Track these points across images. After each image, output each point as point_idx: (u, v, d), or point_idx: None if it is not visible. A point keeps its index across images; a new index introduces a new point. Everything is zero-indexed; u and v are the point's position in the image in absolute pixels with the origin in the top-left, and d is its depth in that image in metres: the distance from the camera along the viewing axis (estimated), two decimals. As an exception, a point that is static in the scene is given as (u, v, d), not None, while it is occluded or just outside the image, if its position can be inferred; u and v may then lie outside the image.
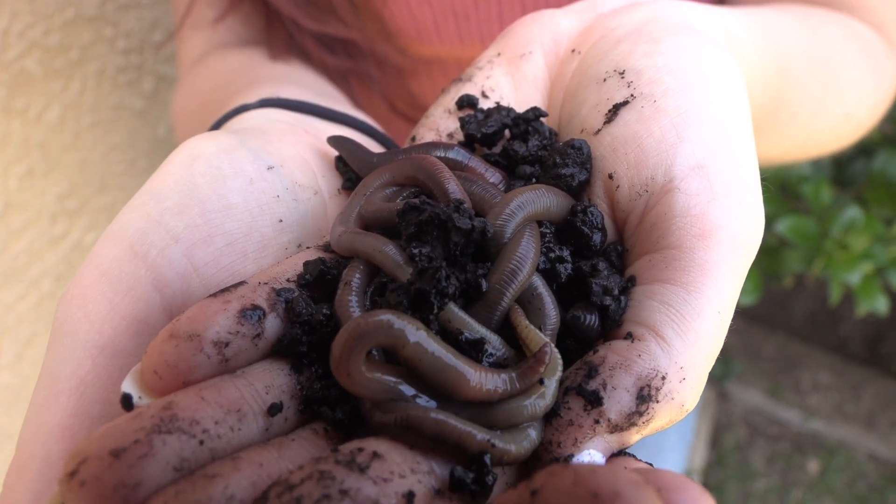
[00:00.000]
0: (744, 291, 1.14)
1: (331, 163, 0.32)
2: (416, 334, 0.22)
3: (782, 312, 2.16)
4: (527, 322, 0.24)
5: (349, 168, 0.31)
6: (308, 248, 0.29)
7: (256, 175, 0.28)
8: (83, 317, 0.24)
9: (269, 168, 0.29)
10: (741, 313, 2.19)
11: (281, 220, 0.28)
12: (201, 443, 0.20)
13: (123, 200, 0.97)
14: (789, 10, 0.45)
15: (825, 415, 1.91)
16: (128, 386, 0.22)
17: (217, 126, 0.37)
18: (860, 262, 0.99)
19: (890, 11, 0.49)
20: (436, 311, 0.23)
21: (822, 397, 1.96)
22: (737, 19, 0.35)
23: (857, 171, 1.15)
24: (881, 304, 1.09)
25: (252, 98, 0.38)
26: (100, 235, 0.84)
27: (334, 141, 0.32)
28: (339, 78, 0.55)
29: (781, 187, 1.10)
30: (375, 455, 0.20)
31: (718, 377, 1.98)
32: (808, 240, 1.00)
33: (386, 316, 0.22)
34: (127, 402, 0.22)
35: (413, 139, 0.32)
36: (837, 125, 0.48)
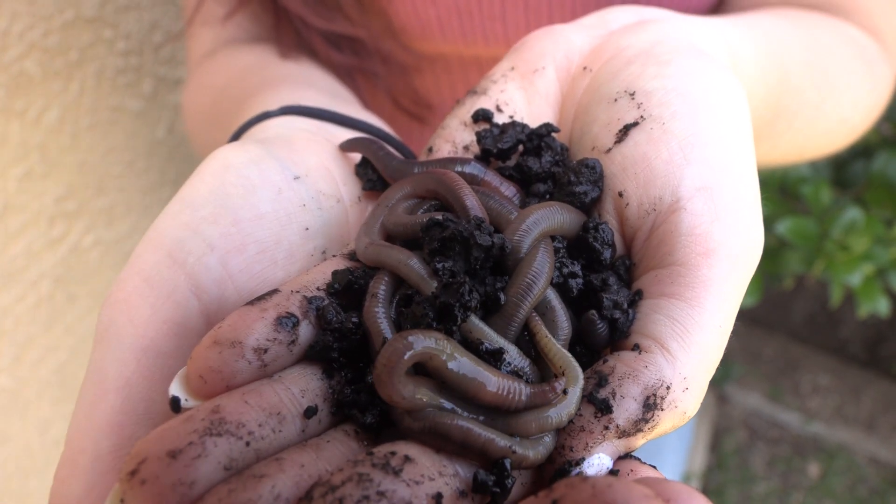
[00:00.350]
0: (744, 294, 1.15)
1: (351, 170, 0.33)
2: (441, 350, 0.24)
3: (782, 315, 2.17)
4: (546, 332, 0.25)
5: (368, 171, 0.32)
6: (334, 256, 0.30)
7: (284, 185, 0.30)
8: (127, 321, 0.25)
9: (296, 178, 0.30)
10: (741, 316, 2.19)
11: (307, 228, 0.30)
12: (247, 444, 0.22)
13: (122, 202, 0.97)
14: (788, 16, 0.46)
15: (825, 418, 1.92)
16: (175, 389, 0.24)
17: (241, 132, 0.38)
18: (861, 264, 1.00)
19: (885, 17, 0.51)
20: (459, 322, 0.25)
21: (823, 400, 1.96)
22: (739, 34, 0.36)
23: (856, 173, 1.16)
24: (882, 306, 1.09)
25: (272, 104, 0.39)
26: (98, 237, 0.84)
27: (355, 143, 0.32)
28: (345, 75, 0.56)
29: (781, 188, 1.10)
30: (407, 459, 0.22)
31: (718, 380, 1.98)
32: (809, 241, 1.01)
33: (408, 340, 0.23)
34: (175, 404, 0.24)
35: (430, 150, 0.33)
36: (833, 130, 0.50)
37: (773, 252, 1.11)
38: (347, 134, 0.36)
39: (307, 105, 0.37)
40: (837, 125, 0.50)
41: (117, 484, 0.21)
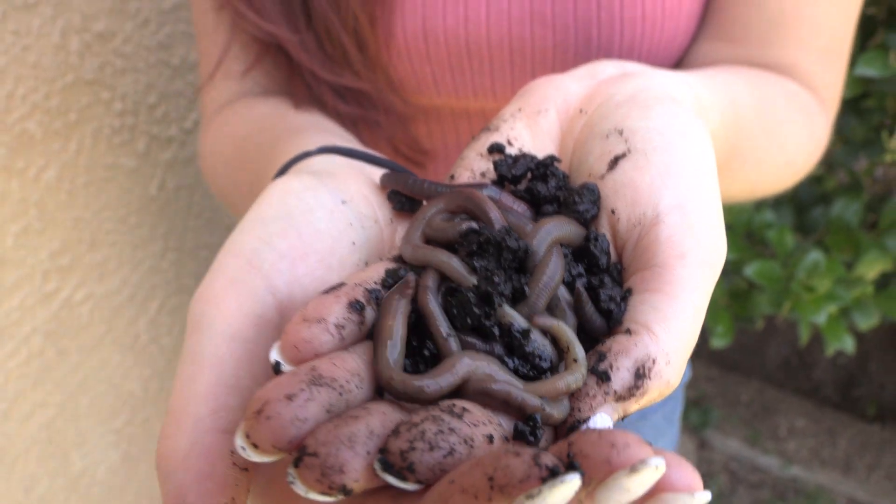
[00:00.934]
0: (717, 335, 1.21)
1: (383, 197, 0.40)
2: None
3: (757, 360, 2.24)
4: (556, 319, 0.31)
5: (400, 197, 0.38)
6: (381, 260, 0.35)
7: (335, 208, 0.36)
8: (217, 313, 0.31)
9: (343, 202, 0.37)
10: (717, 361, 2.26)
11: (353, 243, 0.36)
12: (340, 395, 0.27)
13: (114, 257, 1.00)
14: (740, 72, 0.53)
15: (803, 460, 1.97)
16: (275, 356, 0.29)
17: (285, 168, 0.44)
18: (825, 303, 1.07)
19: (821, 77, 0.60)
20: (497, 306, 0.31)
21: (800, 443, 2.02)
22: (703, 86, 0.43)
23: (817, 218, 1.24)
24: (848, 344, 1.16)
25: (305, 146, 0.46)
26: (89, 292, 0.87)
27: (390, 180, 0.38)
28: (349, 123, 0.63)
29: (748, 234, 1.18)
30: (465, 409, 0.27)
31: (698, 426, 2.03)
32: (776, 282, 1.08)
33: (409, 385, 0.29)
34: (277, 367, 0.29)
35: (452, 177, 0.39)
36: (779, 170, 0.58)
37: (743, 294, 1.18)
38: (375, 170, 0.42)
39: (339, 146, 0.44)
40: (783, 167, 0.58)
41: (243, 422, 0.26)
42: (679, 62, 0.61)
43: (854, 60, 0.99)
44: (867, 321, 1.20)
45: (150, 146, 1.01)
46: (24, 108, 0.83)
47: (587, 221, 0.35)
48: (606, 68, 0.42)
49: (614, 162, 0.35)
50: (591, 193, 0.35)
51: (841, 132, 1.26)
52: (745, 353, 2.26)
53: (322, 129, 0.52)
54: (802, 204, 1.24)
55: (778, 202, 1.23)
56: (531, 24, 0.57)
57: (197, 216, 1.14)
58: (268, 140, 0.53)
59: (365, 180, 0.40)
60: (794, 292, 1.07)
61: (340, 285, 0.32)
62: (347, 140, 0.51)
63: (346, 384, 0.28)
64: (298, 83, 0.62)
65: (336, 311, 0.30)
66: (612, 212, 0.35)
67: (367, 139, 0.65)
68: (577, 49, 0.57)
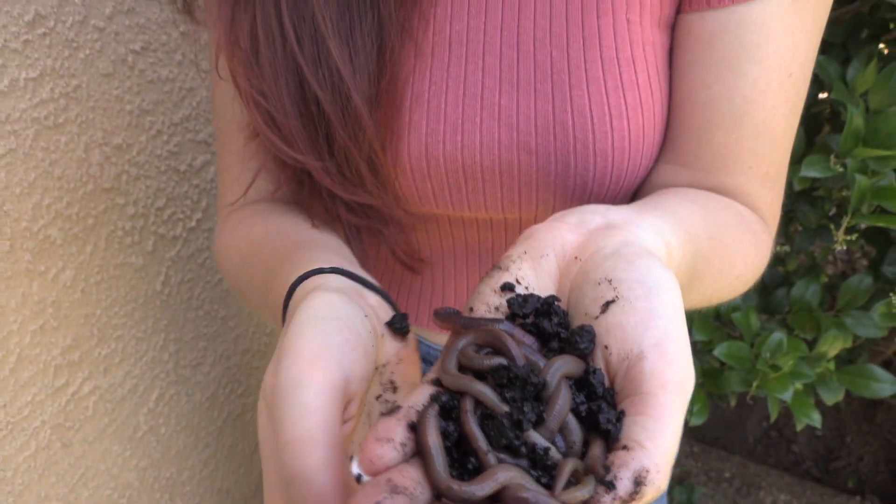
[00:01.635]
0: (694, 413, 1.31)
1: (382, 315, 0.51)
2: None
3: (736, 434, 2.33)
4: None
5: (400, 322, 0.50)
6: (423, 383, 0.45)
7: (362, 317, 0.48)
8: (312, 376, 0.41)
9: (365, 315, 0.48)
10: (699, 437, 2.35)
11: (373, 346, 0.47)
12: (411, 500, 0.36)
13: (119, 351, 1.09)
14: (698, 202, 0.65)
15: (788, 536, 2.04)
16: (355, 468, 0.39)
17: (301, 279, 0.55)
18: (790, 381, 1.18)
19: (763, 199, 0.72)
20: (525, 430, 0.40)
21: (783, 518, 2.09)
22: (669, 228, 0.54)
23: (780, 299, 1.37)
24: (816, 420, 1.26)
25: (315, 262, 0.57)
26: (95, 385, 0.96)
27: (444, 318, 0.48)
28: (355, 231, 0.75)
29: (717, 316, 1.30)
30: None
31: (682, 504, 2.10)
32: (744, 362, 1.19)
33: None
34: (359, 478, 0.39)
35: (471, 309, 0.48)
36: (731, 284, 0.69)
37: (715, 373, 1.28)
38: (372, 294, 0.54)
39: (347, 269, 0.56)
40: (734, 280, 0.69)
41: None
42: (644, 181, 0.73)
43: (800, 160, 1.14)
44: (833, 396, 1.31)
45: (157, 245, 1.11)
46: (49, 217, 0.93)
47: (586, 356, 0.45)
48: (594, 218, 0.52)
49: (606, 306, 0.45)
50: (588, 334, 0.45)
51: (798, 219, 1.41)
52: (726, 429, 2.35)
53: (329, 248, 0.64)
54: (766, 286, 1.37)
55: (743, 285, 1.35)
56: (518, 152, 0.69)
57: (196, 308, 1.23)
58: (282, 246, 0.65)
59: (371, 299, 0.52)
60: (761, 371, 1.18)
61: (398, 408, 0.41)
62: (346, 257, 0.64)
63: (413, 491, 0.37)
64: (316, 197, 0.74)
65: (399, 432, 0.39)
66: (606, 347, 0.44)
67: (370, 246, 0.77)
68: (556, 173, 0.69)
